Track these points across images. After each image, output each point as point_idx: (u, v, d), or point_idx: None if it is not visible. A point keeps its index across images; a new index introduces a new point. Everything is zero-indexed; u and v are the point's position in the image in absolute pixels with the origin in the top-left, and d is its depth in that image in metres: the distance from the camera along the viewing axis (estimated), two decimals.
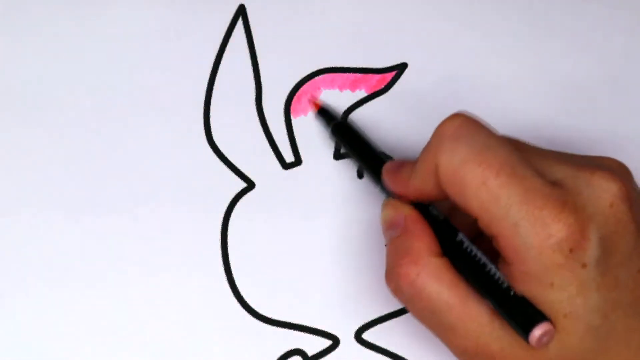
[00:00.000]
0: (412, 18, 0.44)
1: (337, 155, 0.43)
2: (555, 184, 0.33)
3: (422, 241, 0.36)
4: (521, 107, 0.44)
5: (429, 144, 0.35)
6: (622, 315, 0.33)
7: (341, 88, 0.44)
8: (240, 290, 0.42)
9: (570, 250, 0.32)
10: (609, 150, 0.43)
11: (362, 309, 0.42)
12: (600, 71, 0.45)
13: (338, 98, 0.44)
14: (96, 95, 0.43)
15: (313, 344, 0.42)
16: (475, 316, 0.34)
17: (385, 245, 0.38)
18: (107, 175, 0.42)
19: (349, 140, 0.42)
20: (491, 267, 0.34)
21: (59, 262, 0.41)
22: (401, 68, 0.44)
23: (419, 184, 0.36)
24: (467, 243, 0.35)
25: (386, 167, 0.38)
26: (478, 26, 0.45)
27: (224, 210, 0.43)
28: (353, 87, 0.44)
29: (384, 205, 0.38)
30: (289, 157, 0.43)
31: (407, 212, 0.37)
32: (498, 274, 0.33)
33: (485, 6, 0.45)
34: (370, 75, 0.44)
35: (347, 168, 0.43)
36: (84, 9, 0.43)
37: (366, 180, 0.43)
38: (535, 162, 0.34)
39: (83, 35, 0.43)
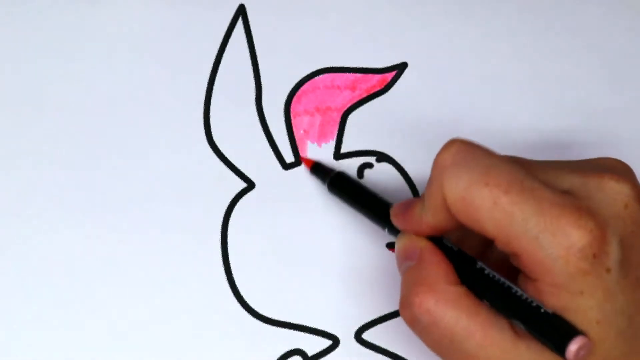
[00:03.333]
0: (412, 18, 0.44)
1: (337, 156, 0.43)
2: (565, 192, 0.33)
3: (439, 270, 0.35)
4: (521, 107, 0.44)
5: (431, 177, 0.35)
6: None
7: (341, 88, 0.44)
8: (240, 290, 0.42)
9: (594, 256, 0.32)
10: (608, 151, 0.43)
11: (362, 309, 0.42)
12: (600, 71, 0.45)
13: (338, 98, 0.44)
14: (96, 95, 0.43)
15: (313, 344, 0.42)
16: (497, 342, 0.33)
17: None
18: (106, 175, 0.42)
19: (347, 190, 0.41)
20: (517, 289, 0.33)
21: (59, 262, 0.41)
22: (401, 68, 0.44)
23: (431, 219, 0.35)
24: (487, 269, 0.35)
25: (394, 210, 0.38)
26: (478, 26, 0.45)
27: (224, 210, 0.43)
28: (353, 87, 0.44)
29: (399, 238, 0.37)
30: (289, 157, 0.43)
31: (423, 244, 0.36)
32: (525, 295, 0.33)
33: (485, 6, 0.45)
34: (370, 75, 0.44)
35: (347, 168, 0.43)
36: (84, 8, 0.43)
37: (366, 181, 0.43)
38: (540, 175, 0.34)
39: (83, 35, 0.43)
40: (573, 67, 0.45)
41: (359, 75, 0.44)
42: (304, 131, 0.43)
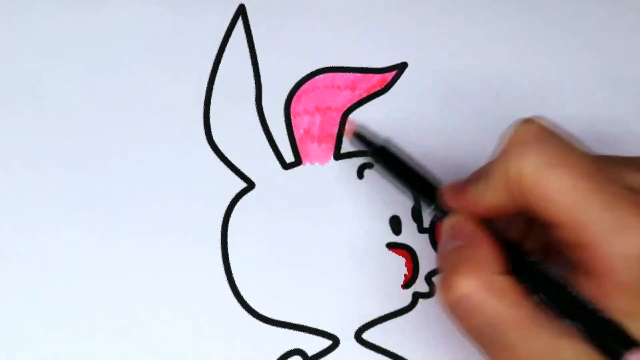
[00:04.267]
0: (412, 18, 0.44)
1: (337, 155, 0.43)
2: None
3: (489, 255, 0.34)
4: (521, 107, 0.44)
5: (503, 152, 0.34)
6: None
7: (341, 88, 0.44)
8: (240, 290, 0.42)
9: None
10: (608, 150, 0.43)
11: (362, 309, 0.42)
12: (600, 71, 0.45)
13: (338, 98, 0.44)
14: (96, 95, 0.43)
15: (313, 344, 0.42)
16: (541, 337, 0.32)
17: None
18: (107, 175, 0.42)
19: (393, 162, 0.40)
20: (572, 289, 0.32)
21: (59, 262, 0.41)
22: (401, 68, 0.44)
23: (491, 198, 0.34)
24: (542, 265, 0.34)
25: (446, 189, 0.37)
26: (478, 26, 0.45)
27: (224, 210, 0.43)
28: (353, 87, 0.44)
29: (450, 216, 0.36)
30: (289, 157, 0.43)
31: (476, 226, 0.35)
32: (582, 296, 0.32)
33: (486, 6, 0.45)
34: (370, 75, 0.44)
35: (347, 168, 0.43)
36: (84, 8, 0.43)
37: (366, 181, 0.43)
38: (615, 170, 0.33)
39: (83, 35, 0.43)
40: (573, 67, 0.45)
41: (359, 75, 0.44)
42: (304, 131, 0.43)
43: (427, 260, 0.43)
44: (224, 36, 0.44)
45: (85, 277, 0.41)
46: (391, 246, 0.43)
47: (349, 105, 0.44)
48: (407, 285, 0.43)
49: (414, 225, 0.43)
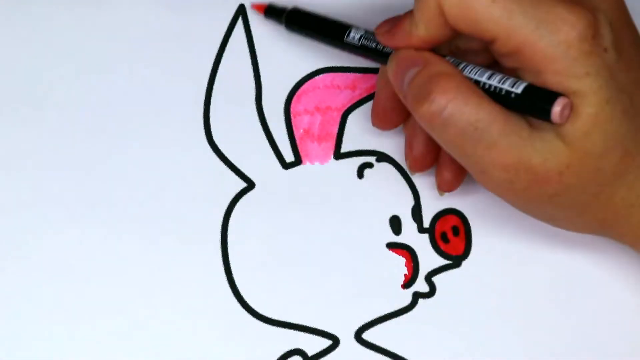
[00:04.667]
0: None
1: (337, 155, 0.43)
2: None
3: (449, 66, 0.36)
4: None
5: None
6: None
7: (341, 88, 0.44)
8: (240, 290, 0.42)
9: (592, 37, 0.34)
10: None
11: (362, 309, 0.42)
12: None
13: (338, 98, 0.44)
14: (96, 95, 0.43)
15: (313, 344, 0.42)
16: (517, 130, 0.35)
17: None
18: (107, 176, 0.42)
19: (307, 24, 0.41)
20: (498, 74, 0.35)
21: (59, 262, 0.41)
22: None
23: (424, 31, 0.36)
24: (473, 66, 0.36)
25: (380, 29, 0.38)
26: None
27: (224, 210, 0.43)
28: (353, 87, 0.44)
29: (395, 54, 0.37)
30: (288, 157, 0.43)
31: (424, 52, 0.37)
32: (508, 78, 0.35)
33: None
34: (370, 75, 0.44)
35: (347, 168, 0.43)
36: (84, 8, 0.43)
37: (366, 181, 0.43)
38: None
39: (83, 35, 0.43)
40: None
41: (359, 75, 0.44)
42: (304, 131, 0.43)
43: (427, 260, 0.43)
44: (224, 36, 0.44)
45: (85, 277, 0.41)
46: (391, 246, 0.43)
47: (349, 105, 0.44)
48: (407, 285, 0.43)
49: (414, 225, 0.43)
